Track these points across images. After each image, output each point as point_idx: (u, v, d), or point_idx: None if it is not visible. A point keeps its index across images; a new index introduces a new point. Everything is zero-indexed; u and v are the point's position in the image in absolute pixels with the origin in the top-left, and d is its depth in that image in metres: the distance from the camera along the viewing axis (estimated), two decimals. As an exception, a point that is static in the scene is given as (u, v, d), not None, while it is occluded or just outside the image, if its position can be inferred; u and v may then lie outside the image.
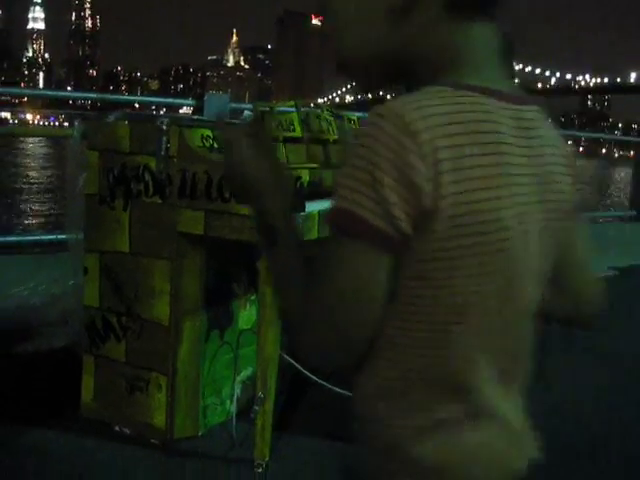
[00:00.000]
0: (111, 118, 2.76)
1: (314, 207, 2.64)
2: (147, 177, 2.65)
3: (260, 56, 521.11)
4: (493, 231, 0.87)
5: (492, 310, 0.91)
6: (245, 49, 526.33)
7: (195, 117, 3.21)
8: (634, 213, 10.94)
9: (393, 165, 0.81)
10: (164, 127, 2.59)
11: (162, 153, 2.60)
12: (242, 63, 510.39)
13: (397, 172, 0.81)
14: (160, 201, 2.63)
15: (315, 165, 3.22)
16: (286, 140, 3.10)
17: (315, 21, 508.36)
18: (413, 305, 0.89)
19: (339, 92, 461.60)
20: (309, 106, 3.46)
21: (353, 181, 0.83)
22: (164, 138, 2.59)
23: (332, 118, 3.56)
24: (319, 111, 3.49)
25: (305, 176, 3.00)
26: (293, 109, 3.29)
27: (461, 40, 0.91)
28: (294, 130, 3.19)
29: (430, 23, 0.91)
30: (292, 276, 0.94)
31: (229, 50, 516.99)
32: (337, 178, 0.86)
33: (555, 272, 1.02)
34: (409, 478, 0.94)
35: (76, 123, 2.89)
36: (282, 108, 3.27)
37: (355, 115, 3.91)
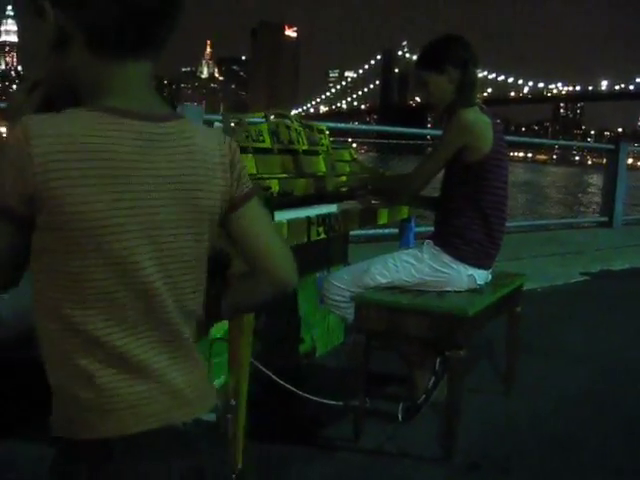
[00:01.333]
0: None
1: (283, 216, 2.68)
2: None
3: (234, 67, 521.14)
4: (96, 227, 1.07)
5: (107, 285, 1.10)
6: (219, 60, 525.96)
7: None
8: (606, 219, 11.09)
9: (11, 162, 1.04)
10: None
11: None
12: (216, 75, 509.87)
13: (13, 167, 1.04)
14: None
15: (285, 175, 3.25)
16: (256, 151, 3.13)
17: (289, 32, 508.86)
18: (44, 272, 1.11)
19: (314, 103, 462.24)
20: (279, 116, 3.50)
21: None
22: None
23: (302, 128, 3.60)
24: (289, 121, 3.52)
25: (275, 186, 3.03)
26: (262, 120, 3.33)
27: (106, 73, 1.12)
28: (263, 141, 3.23)
29: (81, 59, 1.12)
30: None
31: (203, 62, 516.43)
32: None
33: (244, 260, 1.28)
34: (71, 414, 1.14)
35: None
36: (251, 119, 3.31)
37: (325, 125, 3.95)
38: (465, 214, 3.06)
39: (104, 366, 1.11)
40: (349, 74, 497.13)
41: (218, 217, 1.23)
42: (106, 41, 1.11)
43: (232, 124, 3.05)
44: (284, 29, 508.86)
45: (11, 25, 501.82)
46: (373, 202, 3.39)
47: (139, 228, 1.10)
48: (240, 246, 1.29)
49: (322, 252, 3.94)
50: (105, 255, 1.08)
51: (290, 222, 2.68)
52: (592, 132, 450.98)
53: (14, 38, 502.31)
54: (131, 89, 1.14)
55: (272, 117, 3.40)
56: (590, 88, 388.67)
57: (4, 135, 1.08)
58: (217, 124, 3.41)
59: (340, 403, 3.12)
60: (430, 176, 3.09)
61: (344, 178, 3.67)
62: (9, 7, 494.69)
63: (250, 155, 3.09)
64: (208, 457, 1.19)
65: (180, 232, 1.16)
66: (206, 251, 1.24)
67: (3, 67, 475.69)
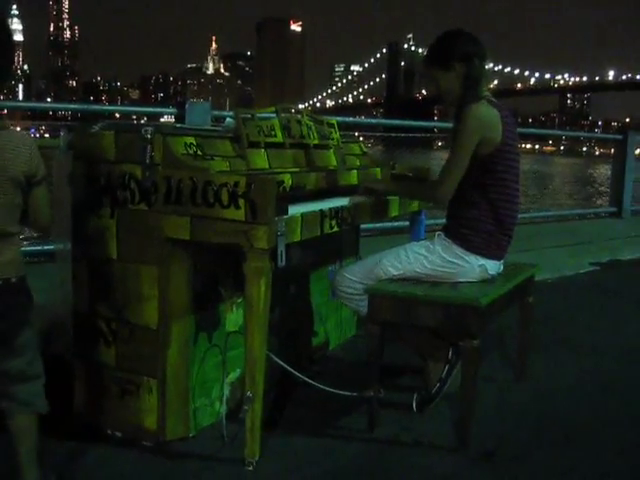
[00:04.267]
0: (96, 128, 2.81)
1: (297, 210, 2.71)
2: (133, 185, 2.70)
3: (240, 63, 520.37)
4: None
5: None
6: (225, 56, 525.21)
7: (178, 125, 3.26)
8: (614, 209, 11.09)
9: None
10: (148, 136, 2.64)
11: (147, 161, 2.65)
12: (222, 70, 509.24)
13: None
14: (146, 208, 2.69)
15: (297, 169, 3.28)
16: (268, 145, 3.16)
17: (294, 26, 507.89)
18: None
19: (320, 97, 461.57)
20: (289, 111, 3.53)
21: None
22: (148, 146, 2.64)
23: (312, 123, 3.63)
24: (299, 116, 3.55)
25: (287, 180, 3.06)
26: (274, 115, 3.36)
27: None
28: (275, 136, 3.26)
29: None
30: None
31: (209, 57, 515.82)
32: None
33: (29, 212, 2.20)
34: None
35: (62, 134, 2.92)
36: (263, 114, 3.34)
37: (335, 119, 3.98)
38: (476, 206, 3.08)
39: None
40: (355, 68, 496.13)
41: (20, 183, 2.11)
42: None
43: (243, 119, 3.08)
44: (289, 24, 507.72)
45: (16, 24, 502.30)
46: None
47: None
48: (29, 205, 2.19)
49: (334, 245, 3.97)
50: None
51: (304, 215, 2.71)
52: (599, 122, 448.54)
53: (19, 37, 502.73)
54: None
55: (282, 112, 3.43)
56: (597, 78, 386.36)
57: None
58: (228, 119, 3.44)
59: (355, 394, 3.15)
60: (457, 179, 3.06)
61: (355, 171, 3.70)
62: (14, 6, 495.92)
63: (262, 150, 3.13)
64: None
65: None
66: (13, 197, 2.12)
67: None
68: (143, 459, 2.75)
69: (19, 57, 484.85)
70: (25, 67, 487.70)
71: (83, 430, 2.91)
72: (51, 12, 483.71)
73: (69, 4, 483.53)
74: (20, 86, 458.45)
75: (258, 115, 3.23)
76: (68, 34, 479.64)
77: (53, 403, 2.47)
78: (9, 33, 2.17)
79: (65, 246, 3.00)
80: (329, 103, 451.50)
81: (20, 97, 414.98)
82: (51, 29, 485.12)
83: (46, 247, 5.17)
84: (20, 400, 2.27)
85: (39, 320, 3.20)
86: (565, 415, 3.32)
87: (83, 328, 2.93)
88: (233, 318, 3.08)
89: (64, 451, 2.75)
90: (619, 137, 11.28)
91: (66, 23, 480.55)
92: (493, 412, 3.29)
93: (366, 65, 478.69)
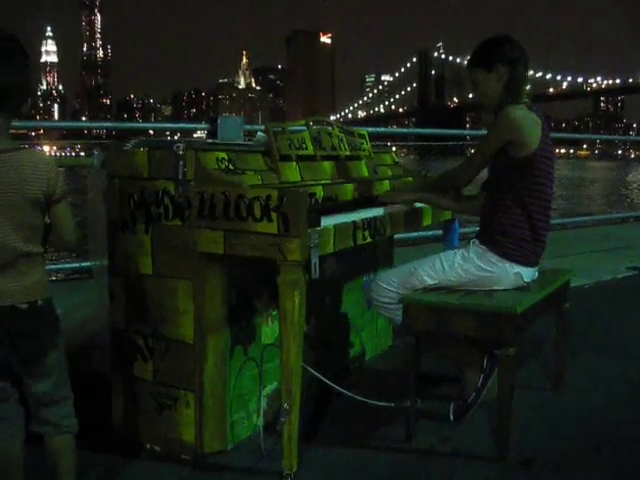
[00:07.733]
0: (129, 146, 2.85)
1: (329, 222, 2.72)
2: (166, 201, 2.73)
3: (271, 76, 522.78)
4: None
5: None
6: (256, 70, 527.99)
7: (209, 140, 3.29)
8: (651, 213, 10.94)
9: None
10: (180, 152, 2.67)
11: (180, 177, 2.68)
12: (253, 84, 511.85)
13: None
14: (180, 223, 2.71)
15: (329, 181, 3.29)
16: (299, 158, 3.18)
17: (324, 38, 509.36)
18: None
19: (351, 108, 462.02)
20: (320, 123, 3.54)
21: None
22: (181, 162, 2.67)
23: (343, 134, 3.64)
24: (330, 128, 3.57)
25: (319, 192, 3.07)
26: (304, 128, 3.37)
27: None
28: (306, 148, 3.27)
29: None
30: None
31: (240, 72, 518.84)
32: None
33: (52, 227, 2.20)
34: None
35: (96, 152, 2.97)
36: (294, 127, 3.35)
37: (366, 130, 3.98)
38: (510, 212, 3.07)
39: None
40: (385, 78, 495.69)
41: (40, 203, 2.11)
42: None
43: (274, 133, 3.10)
44: (319, 36, 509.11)
45: (51, 46, 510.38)
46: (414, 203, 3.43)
47: None
48: (51, 222, 2.18)
49: (368, 256, 3.97)
50: None
51: (336, 227, 2.72)
52: (634, 125, 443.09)
53: (54, 58, 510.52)
54: None
55: (313, 124, 3.44)
56: (630, 80, 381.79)
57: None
58: (260, 134, 3.46)
59: (392, 404, 3.15)
60: (477, 169, 3.14)
61: (387, 182, 3.70)
62: (49, 28, 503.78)
63: (294, 163, 3.14)
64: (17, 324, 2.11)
65: (15, 207, 2.06)
66: (33, 218, 2.11)
67: (44, 87, 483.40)
68: (181, 473, 2.76)
69: (54, 78, 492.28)
70: (60, 87, 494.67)
71: (121, 444, 2.94)
72: (84, 33, 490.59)
73: (101, 24, 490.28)
74: (56, 106, 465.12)
75: (289, 128, 3.25)
76: (101, 53, 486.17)
77: (91, 418, 2.50)
78: (26, 54, 2.17)
79: (101, 262, 3.04)
80: (360, 114, 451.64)
81: (56, 117, 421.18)
82: (84, 49, 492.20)
83: (83, 264, 5.24)
84: (49, 422, 2.26)
85: (81, 336, 3.25)
86: (604, 423, 3.28)
87: (120, 343, 2.96)
88: (269, 331, 3.09)
89: (103, 466, 2.78)
90: (655, 139, 11.13)
91: (99, 43, 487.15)
92: (531, 421, 3.26)
93: (397, 75, 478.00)
